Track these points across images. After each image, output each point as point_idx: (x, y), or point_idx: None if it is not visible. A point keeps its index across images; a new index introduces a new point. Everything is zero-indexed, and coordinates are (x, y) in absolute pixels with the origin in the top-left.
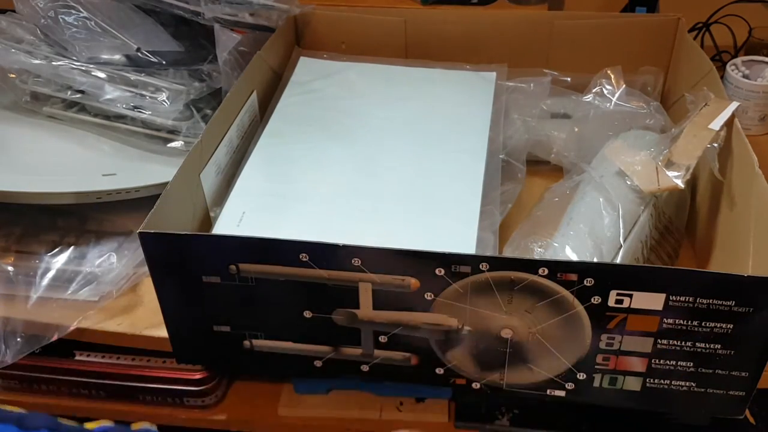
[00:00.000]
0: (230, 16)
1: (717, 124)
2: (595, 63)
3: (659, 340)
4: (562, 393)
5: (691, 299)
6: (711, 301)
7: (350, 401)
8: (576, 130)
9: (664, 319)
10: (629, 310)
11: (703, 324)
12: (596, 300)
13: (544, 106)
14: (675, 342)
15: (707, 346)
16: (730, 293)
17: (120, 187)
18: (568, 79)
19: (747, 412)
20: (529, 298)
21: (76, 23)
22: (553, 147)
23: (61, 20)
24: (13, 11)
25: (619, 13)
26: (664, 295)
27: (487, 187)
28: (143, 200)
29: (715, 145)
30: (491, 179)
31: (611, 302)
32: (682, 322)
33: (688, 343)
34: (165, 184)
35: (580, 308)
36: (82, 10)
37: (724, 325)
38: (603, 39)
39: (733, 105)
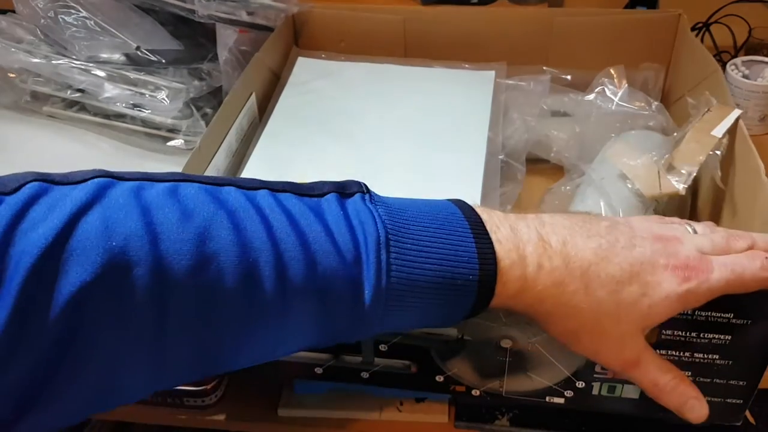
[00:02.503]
0: (226, 15)
1: (719, 131)
2: (596, 60)
3: (658, 351)
4: (561, 400)
5: (689, 311)
6: (710, 313)
7: (350, 401)
8: (577, 129)
9: (663, 331)
10: None
11: (701, 335)
12: None
13: (545, 105)
14: (673, 352)
15: (705, 356)
16: (729, 306)
17: None
18: (569, 77)
19: (747, 413)
20: None
21: (75, 23)
22: (554, 146)
23: (60, 20)
24: (13, 11)
25: (619, 10)
26: None
27: (486, 189)
28: None
29: (717, 152)
30: (490, 180)
31: None
32: (680, 333)
33: (687, 354)
34: None
35: None
36: (81, 9)
37: (722, 337)
38: (603, 36)
39: (736, 112)
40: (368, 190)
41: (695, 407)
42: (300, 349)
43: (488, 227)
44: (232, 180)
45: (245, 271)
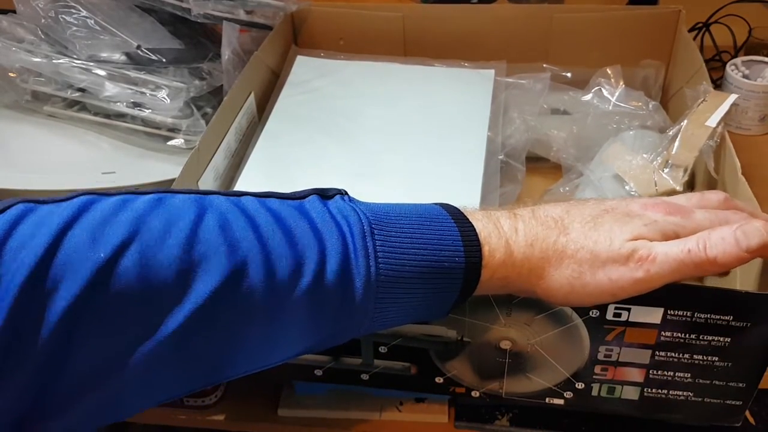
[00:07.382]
0: (224, 13)
1: (714, 120)
2: (596, 57)
3: (657, 352)
4: (560, 401)
5: (689, 314)
6: (709, 315)
7: (350, 401)
8: (575, 129)
9: (662, 333)
10: (627, 323)
11: (700, 337)
12: (594, 314)
13: (545, 104)
14: (673, 354)
15: (705, 358)
16: (729, 308)
17: (119, 185)
18: (569, 74)
19: (747, 413)
20: (527, 311)
21: (76, 22)
22: (553, 145)
23: (61, 19)
24: (14, 11)
25: (618, 6)
26: (662, 310)
27: (485, 189)
28: None
29: (711, 143)
30: (490, 180)
31: (609, 315)
32: (680, 335)
33: (686, 355)
34: (164, 182)
35: (578, 321)
36: (81, 9)
37: (721, 339)
38: (603, 33)
39: (731, 98)
40: (347, 194)
41: None
42: (295, 354)
43: (464, 213)
44: (216, 191)
45: (233, 273)
